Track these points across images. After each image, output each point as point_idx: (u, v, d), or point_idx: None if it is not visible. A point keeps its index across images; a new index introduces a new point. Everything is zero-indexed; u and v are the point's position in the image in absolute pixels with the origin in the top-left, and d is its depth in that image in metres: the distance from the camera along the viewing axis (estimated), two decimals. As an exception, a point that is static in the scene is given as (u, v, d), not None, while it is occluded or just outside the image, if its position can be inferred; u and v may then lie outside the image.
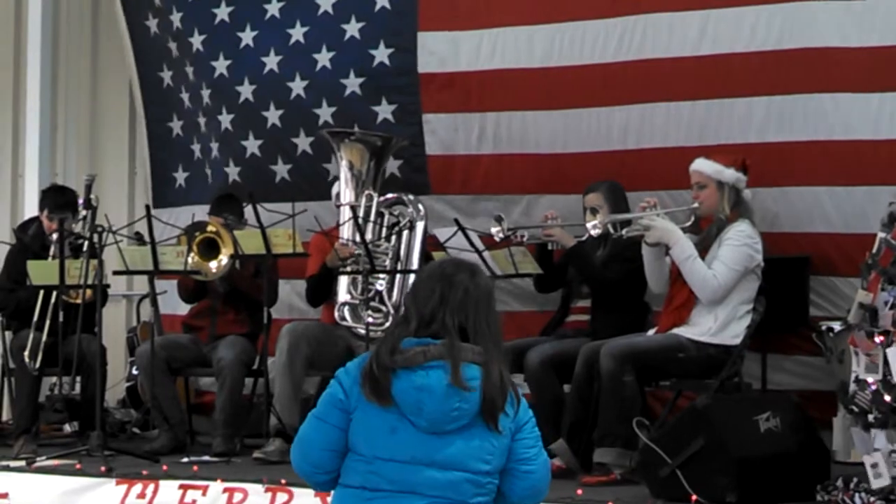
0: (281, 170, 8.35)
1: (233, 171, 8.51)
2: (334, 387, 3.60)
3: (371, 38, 7.95)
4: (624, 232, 6.54)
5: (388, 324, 7.05)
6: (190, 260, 7.15)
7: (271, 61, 8.22)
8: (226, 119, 8.46)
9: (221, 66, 8.40)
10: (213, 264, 7.21)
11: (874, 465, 5.40)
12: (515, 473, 3.60)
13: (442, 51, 7.79)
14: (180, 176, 8.97)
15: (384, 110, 7.97)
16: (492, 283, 3.69)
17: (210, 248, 7.22)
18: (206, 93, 8.55)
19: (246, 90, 8.33)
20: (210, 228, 7.23)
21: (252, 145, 8.40)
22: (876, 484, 5.40)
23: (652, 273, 6.55)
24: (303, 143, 8.25)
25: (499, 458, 3.56)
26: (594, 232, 6.63)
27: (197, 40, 8.48)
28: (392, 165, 7.76)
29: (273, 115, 8.28)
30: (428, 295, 3.57)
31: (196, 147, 8.84)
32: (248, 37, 8.29)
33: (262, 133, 8.36)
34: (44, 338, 7.50)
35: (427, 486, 3.50)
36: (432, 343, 3.51)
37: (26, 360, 7.47)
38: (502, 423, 3.53)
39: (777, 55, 6.93)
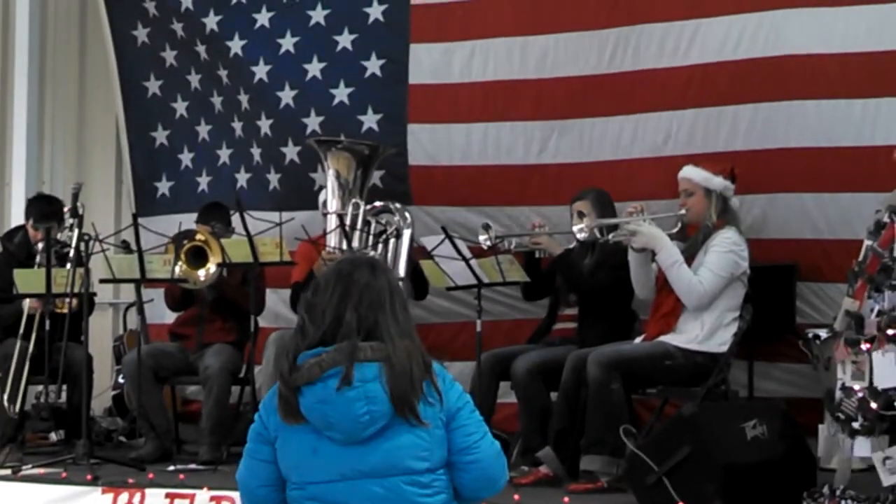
0: (273, 178, 8.36)
1: (242, 178, 8.53)
2: (256, 420, 3.50)
3: (363, 50, 7.98)
4: (610, 237, 6.54)
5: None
6: (178, 269, 7.13)
7: (261, 71, 8.23)
8: (238, 126, 8.48)
9: (224, 75, 8.42)
10: (201, 272, 7.20)
11: (885, 461, 5.39)
12: (459, 465, 3.43)
13: (434, 62, 7.81)
14: (163, 185, 8.96)
15: (369, 120, 7.99)
16: (395, 276, 3.54)
17: (198, 257, 7.21)
18: (218, 100, 8.56)
19: (243, 99, 8.35)
20: (199, 237, 7.22)
21: (256, 152, 8.42)
22: (887, 481, 5.39)
23: (638, 279, 6.55)
24: (290, 152, 8.26)
25: (437, 451, 3.38)
26: (580, 236, 6.64)
27: (201, 49, 8.49)
28: (374, 175, 7.76)
29: (264, 125, 8.30)
30: (328, 298, 3.41)
31: (186, 156, 8.84)
32: (236, 46, 8.30)
33: (259, 142, 8.38)
34: (30, 348, 7.47)
35: (367, 499, 3.34)
36: (324, 351, 3.35)
37: (5, 403, 7.43)
38: (427, 414, 3.35)
39: (762, 63, 6.95)
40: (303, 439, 3.38)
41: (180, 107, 8.79)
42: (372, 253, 7.13)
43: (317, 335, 3.39)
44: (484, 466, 3.45)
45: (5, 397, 7.42)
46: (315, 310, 3.42)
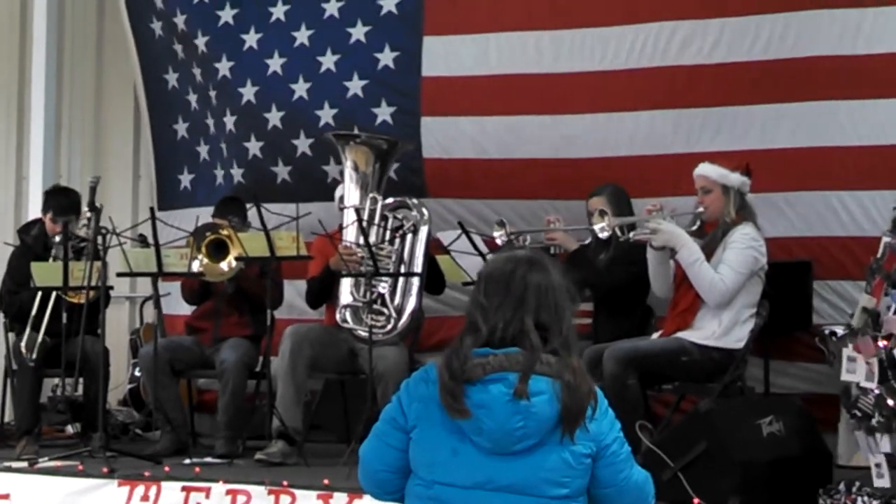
0: (281, 171, 8.36)
1: (237, 173, 8.53)
2: (393, 403, 3.29)
3: (376, 42, 7.98)
4: (631, 235, 6.54)
5: (388, 326, 7.06)
6: (199, 263, 7.15)
7: (275, 64, 8.24)
8: (230, 121, 8.49)
9: (224, 68, 8.42)
10: (223, 265, 7.22)
11: (878, 465, 5.39)
12: (601, 499, 3.27)
13: (447, 55, 7.80)
14: (185, 178, 8.98)
15: (383, 112, 7.98)
16: (560, 272, 3.30)
17: (218, 251, 7.22)
18: (213, 94, 8.58)
19: (248, 92, 8.35)
20: (223, 232, 7.23)
21: (254, 147, 8.42)
22: (878, 483, 5.39)
23: (656, 277, 6.54)
24: (302, 144, 8.25)
25: (580, 478, 3.21)
26: (602, 235, 6.62)
27: (201, 42, 8.49)
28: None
29: (274, 117, 8.30)
30: (501, 296, 3.21)
31: (203, 149, 8.86)
32: (252, 39, 8.31)
33: (263, 135, 8.37)
34: (40, 337, 7.48)
35: None
36: (492, 353, 3.16)
37: (23, 352, 7.45)
38: (580, 437, 3.19)
39: (786, 63, 6.95)
40: (444, 437, 3.19)
41: (193, 99, 8.82)
42: (388, 248, 7.13)
43: (487, 334, 3.20)
44: (628, 501, 3.30)
45: (23, 346, 7.42)
46: (488, 311, 3.21)
